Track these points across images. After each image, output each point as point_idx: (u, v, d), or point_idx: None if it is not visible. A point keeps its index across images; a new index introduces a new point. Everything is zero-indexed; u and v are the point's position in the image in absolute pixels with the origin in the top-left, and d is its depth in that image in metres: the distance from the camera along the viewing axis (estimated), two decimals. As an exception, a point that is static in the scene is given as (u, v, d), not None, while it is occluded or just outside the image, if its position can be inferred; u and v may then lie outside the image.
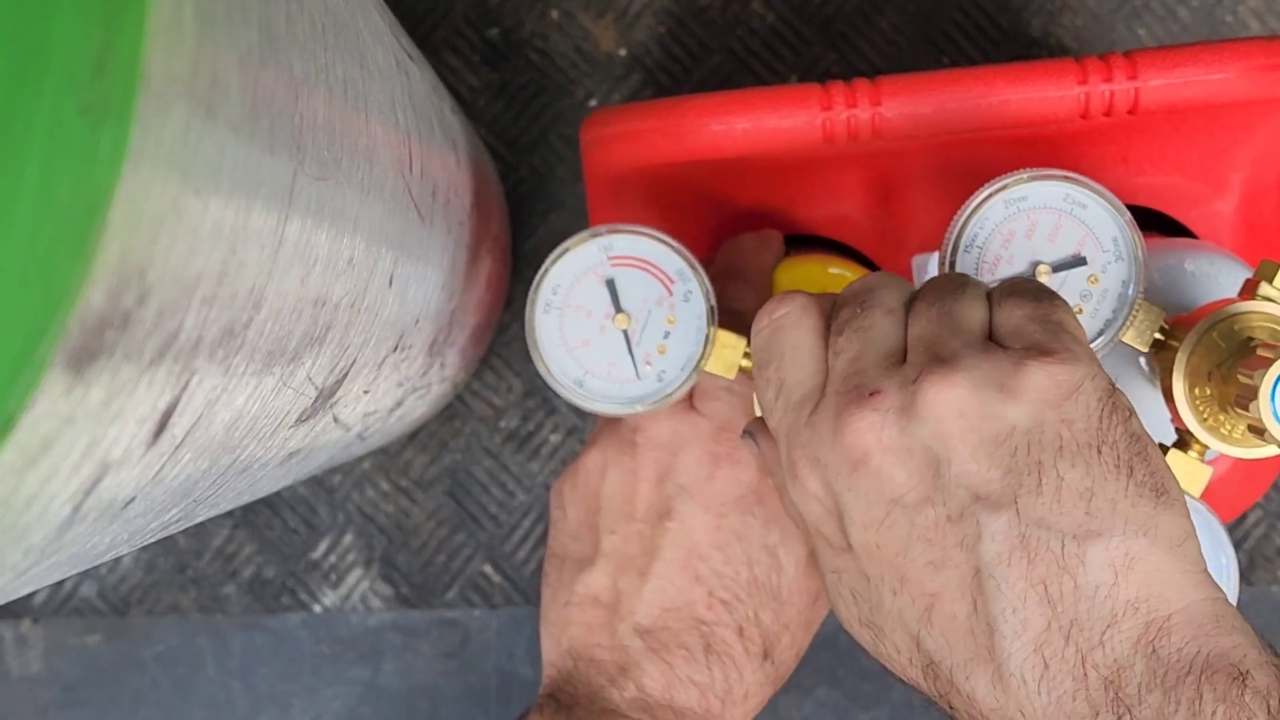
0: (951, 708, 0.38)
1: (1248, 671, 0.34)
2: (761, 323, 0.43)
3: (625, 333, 0.48)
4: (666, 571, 0.50)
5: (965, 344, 0.38)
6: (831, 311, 0.42)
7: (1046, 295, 0.40)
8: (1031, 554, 0.36)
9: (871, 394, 0.38)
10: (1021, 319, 0.39)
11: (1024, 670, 0.36)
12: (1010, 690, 0.36)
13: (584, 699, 0.50)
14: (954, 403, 0.37)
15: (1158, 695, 0.34)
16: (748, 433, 0.47)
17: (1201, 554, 0.37)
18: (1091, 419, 0.37)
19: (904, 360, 0.39)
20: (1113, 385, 0.38)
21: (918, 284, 0.56)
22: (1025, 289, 0.40)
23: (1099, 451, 0.37)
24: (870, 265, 0.57)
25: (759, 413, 0.48)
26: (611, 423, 0.52)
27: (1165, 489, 0.37)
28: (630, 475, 0.51)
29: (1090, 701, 0.35)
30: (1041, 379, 0.37)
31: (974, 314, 0.40)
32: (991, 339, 0.39)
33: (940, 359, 0.38)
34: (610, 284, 0.48)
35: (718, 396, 0.50)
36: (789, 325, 0.42)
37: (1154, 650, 0.35)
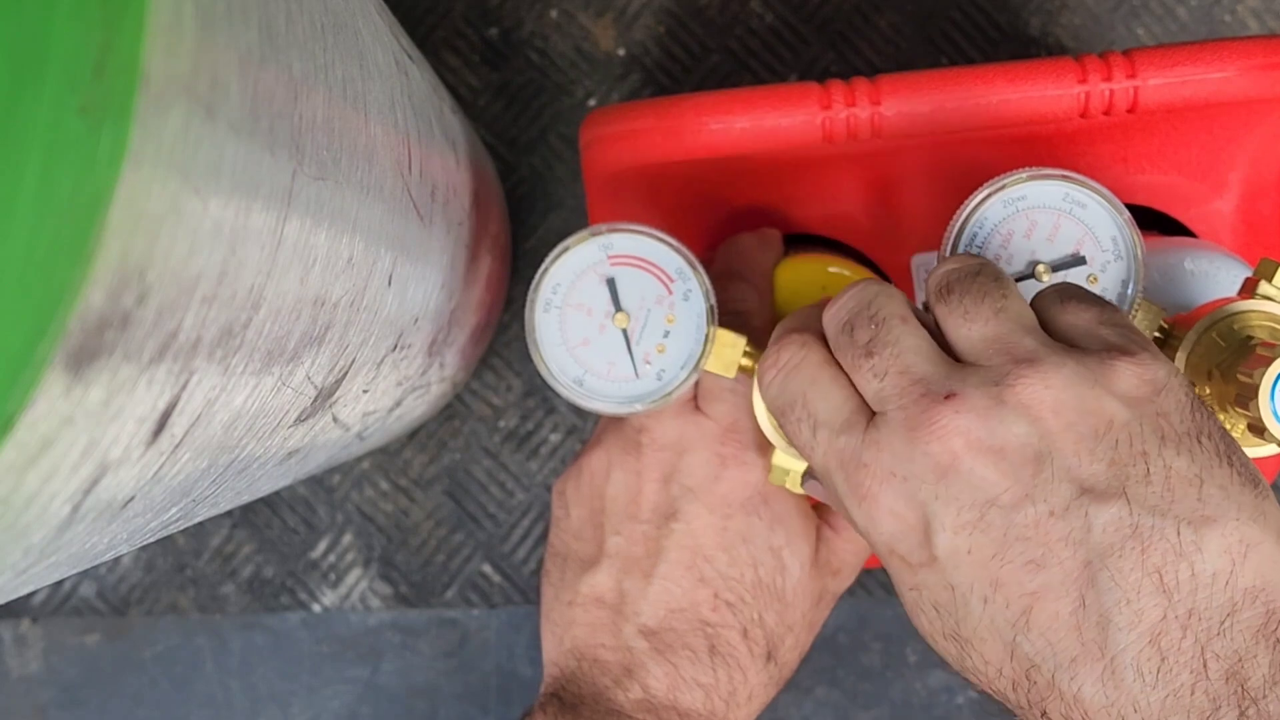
0: (1045, 715, 0.37)
1: None
2: (769, 376, 0.43)
3: (625, 332, 0.48)
4: (671, 573, 0.50)
5: (1042, 344, 0.38)
6: (830, 338, 0.42)
7: (1105, 300, 0.41)
8: (1145, 543, 0.35)
9: (947, 397, 0.38)
10: (1090, 322, 0.39)
11: (1139, 663, 0.35)
12: (1124, 686, 0.35)
13: (588, 699, 0.50)
14: (1049, 401, 0.37)
15: None
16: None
17: None
18: (1184, 412, 0.37)
19: (954, 361, 0.39)
20: (1192, 383, 0.38)
21: (917, 284, 0.56)
22: (1083, 294, 0.41)
23: (1199, 441, 0.37)
24: (870, 264, 0.57)
25: (760, 415, 0.48)
26: (616, 423, 0.52)
27: (1259, 480, 0.37)
28: (635, 476, 0.51)
29: (1210, 695, 0.34)
30: (1130, 376, 0.37)
31: (1027, 312, 0.40)
32: (1055, 339, 0.39)
33: (1023, 359, 0.38)
34: (611, 283, 0.48)
35: (722, 398, 0.50)
36: (797, 365, 0.42)
37: (1278, 641, 0.34)
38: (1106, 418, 0.37)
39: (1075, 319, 0.40)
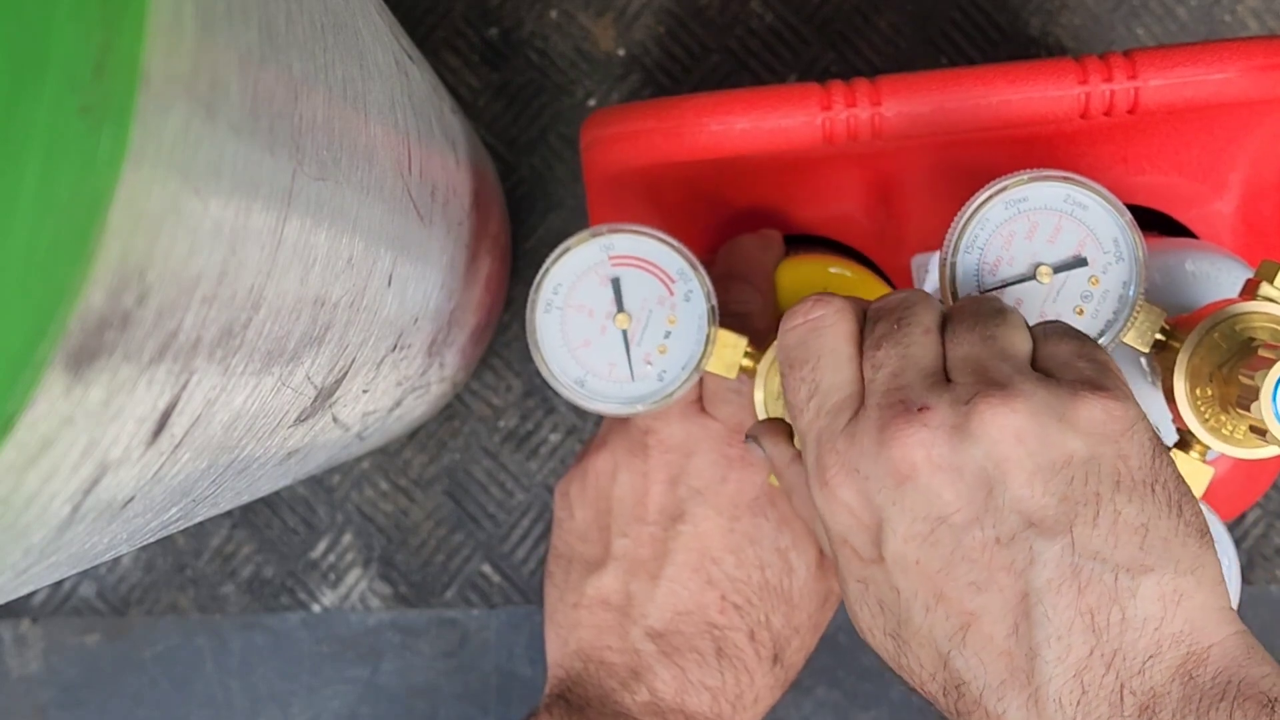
0: None
1: (1276, 699, 0.35)
2: (796, 320, 0.43)
3: (625, 333, 0.48)
4: (678, 575, 0.50)
5: (1017, 370, 0.39)
6: (865, 321, 0.42)
7: (1087, 337, 0.41)
8: (1083, 583, 0.36)
9: (920, 409, 0.38)
10: (1069, 354, 0.40)
11: (1061, 695, 0.36)
12: (1045, 714, 0.36)
13: (595, 701, 0.50)
14: (1012, 427, 0.37)
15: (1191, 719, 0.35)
16: (751, 437, 0.47)
17: (1229, 591, 0.38)
18: (1145, 457, 0.38)
19: (945, 380, 0.39)
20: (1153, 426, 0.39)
21: (917, 284, 0.56)
22: (1068, 329, 0.41)
23: (1153, 489, 0.37)
24: (870, 265, 0.57)
25: (762, 415, 0.48)
26: (621, 424, 0.52)
27: (1206, 530, 0.38)
28: (641, 478, 0.51)
29: None
30: (1098, 413, 0.37)
31: (1020, 342, 0.40)
32: (1035, 370, 0.40)
33: (995, 383, 0.38)
34: (615, 283, 0.48)
35: (728, 400, 0.50)
36: (827, 327, 0.42)
37: (1190, 677, 0.36)
38: (1066, 452, 0.37)
39: (1055, 349, 0.40)
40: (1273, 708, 0.35)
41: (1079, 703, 0.36)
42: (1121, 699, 0.36)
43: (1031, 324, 0.42)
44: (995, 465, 0.37)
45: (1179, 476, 0.38)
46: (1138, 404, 0.39)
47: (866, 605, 0.40)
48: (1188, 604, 0.36)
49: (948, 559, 0.37)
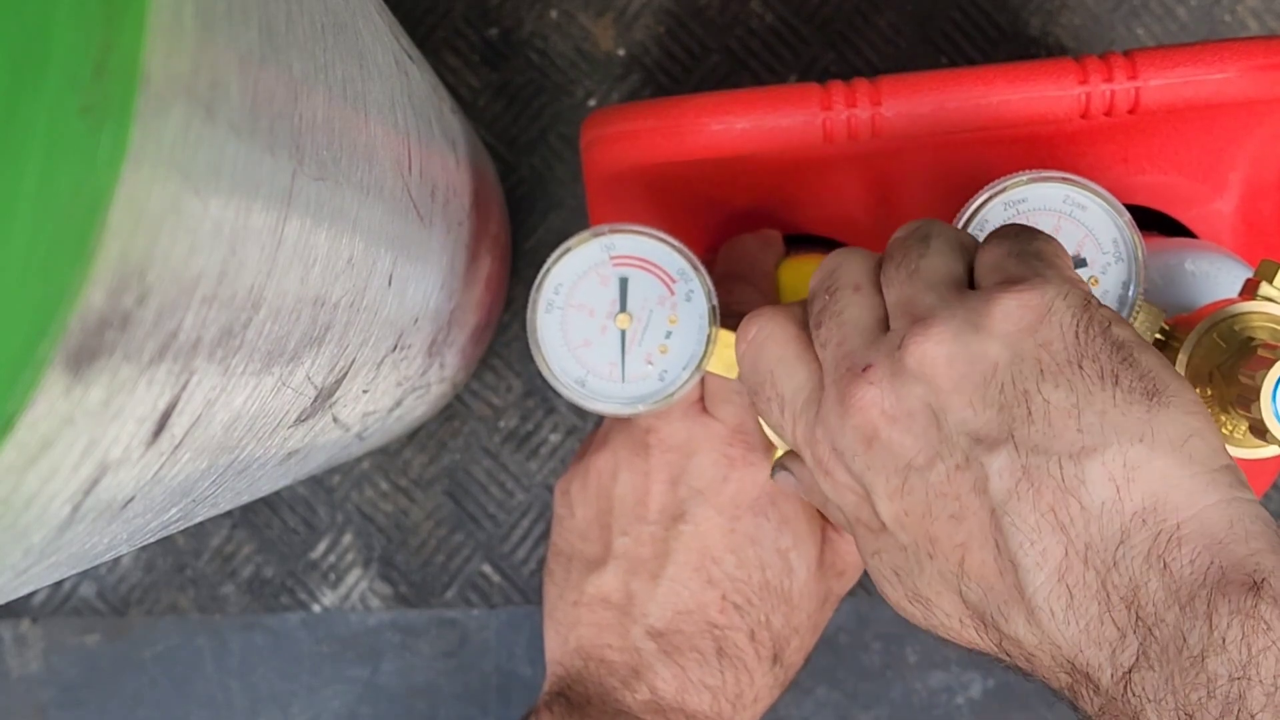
0: (1009, 655, 0.38)
1: (1263, 580, 0.33)
2: (740, 349, 0.43)
3: (623, 333, 0.48)
4: (679, 574, 0.50)
5: (940, 296, 0.38)
6: (805, 311, 0.42)
7: (1027, 232, 0.40)
8: (1036, 484, 0.35)
9: (864, 369, 0.38)
10: (997, 258, 0.39)
11: (1050, 602, 0.35)
12: (1043, 625, 0.35)
13: (595, 699, 0.50)
14: (939, 356, 0.37)
15: (1174, 612, 0.33)
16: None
17: (1216, 450, 0.36)
18: (1068, 336, 0.37)
19: (886, 330, 0.39)
20: (1089, 298, 0.37)
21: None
22: (1006, 230, 0.40)
23: (1079, 367, 0.36)
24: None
25: (769, 433, 0.48)
26: (622, 424, 0.52)
27: (1158, 390, 0.36)
28: (643, 477, 0.51)
29: (1116, 624, 0.34)
30: (1011, 308, 0.37)
31: (942, 264, 0.40)
32: (972, 285, 0.39)
33: (918, 317, 0.38)
34: (624, 283, 0.48)
35: (729, 400, 0.50)
36: (765, 340, 0.42)
37: (1165, 565, 0.34)
38: (991, 362, 0.37)
39: (987, 255, 0.40)
40: (1259, 589, 0.33)
41: (1068, 606, 0.35)
42: (1107, 596, 0.34)
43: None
44: (935, 397, 0.37)
45: (1115, 343, 0.36)
46: (1062, 281, 0.37)
47: (886, 577, 0.40)
48: (1142, 476, 0.35)
49: (925, 502, 0.37)
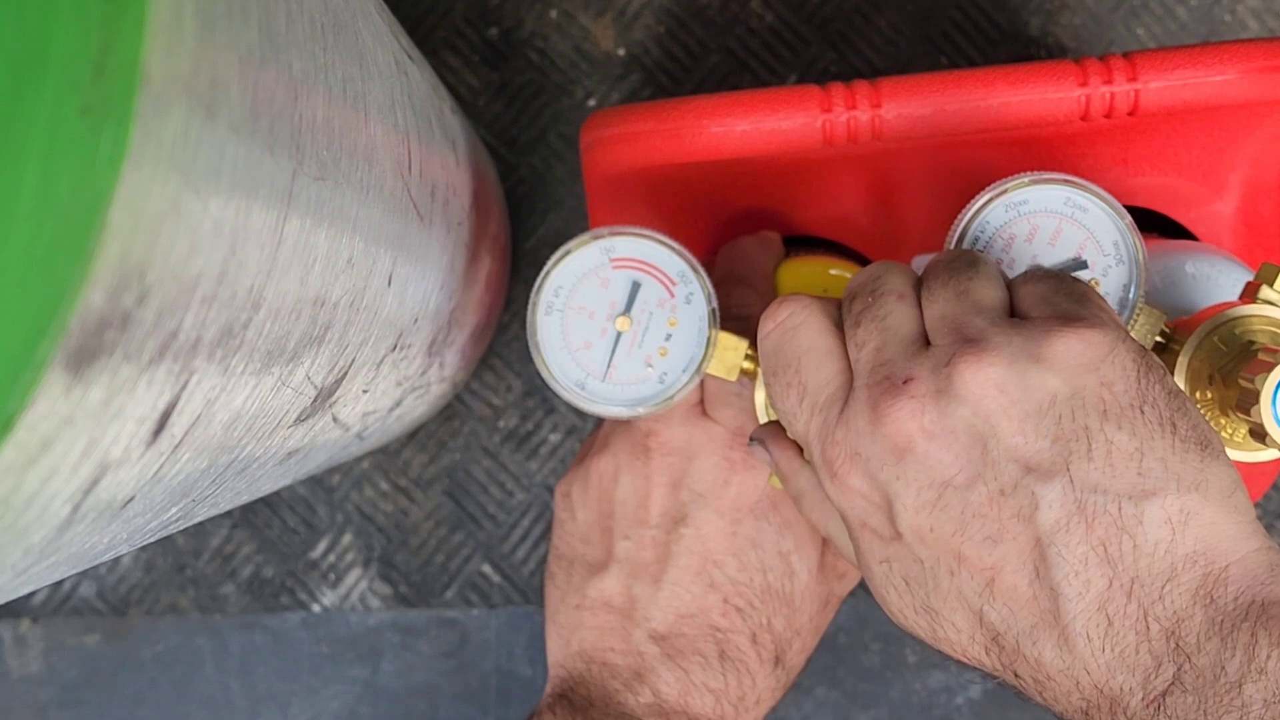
0: (1017, 676, 0.39)
1: None
2: (767, 328, 0.43)
3: (619, 335, 0.48)
4: (681, 578, 0.50)
5: (991, 322, 0.39)
6: (839, 307, 0.42)
7: (1064, 274, 0.41)
8: (1089, 518, 0.36)
9: (905, 381, 0.38)
10: (1044, 293, 0.40)
11: (1089, 629, 0.36)
12: (1076, 650, 0.37)
13: (598, 702, 0.50)
14: (991, 380, 0.37)
15: (1215, 642, 0.35)
16: (756, 440, 0.47)
17: (1249, 502, 0.38)
18: (1130, 380, 0.38)
19: (927, 344, 0.40)
20: (1143, 346, 0.39)
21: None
22: (1044, 271, 0.41)
23: (1141, 411, 0.37)
24: (870, 266, 0.57)
25: (763, 417, 0.48)
26: (623, 427, 0.52)
27: (1208, 441, 0.38)
28: (644, 480, 0.51)
29: (1153, 653, 0.36)
30: (1075, 344, 0.37)
31: (991, 290, 0.40)
32: (1014, 316, 0.40)
33: (969, 339, 0.38)
34: (635, 286, 0.48)
35: (730, 403, 0.50)
36: (797, 326, 0.42)
37: (1211, 599, 0.36)
38: (1049, 393, 0.37)
39: (1031, 291, 0.40)
40: None
41: (1106, 634, 0.36)
42: (1147, 626, 0.36)
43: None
44: (984, 420, 0.37)
45: (1170, 392, 0.38)
46: (1118, 326, 0.39)
47: (893, 586, 0.40)
48: (1196, 522, 0.36)
49: (960, 520, 0.38)
